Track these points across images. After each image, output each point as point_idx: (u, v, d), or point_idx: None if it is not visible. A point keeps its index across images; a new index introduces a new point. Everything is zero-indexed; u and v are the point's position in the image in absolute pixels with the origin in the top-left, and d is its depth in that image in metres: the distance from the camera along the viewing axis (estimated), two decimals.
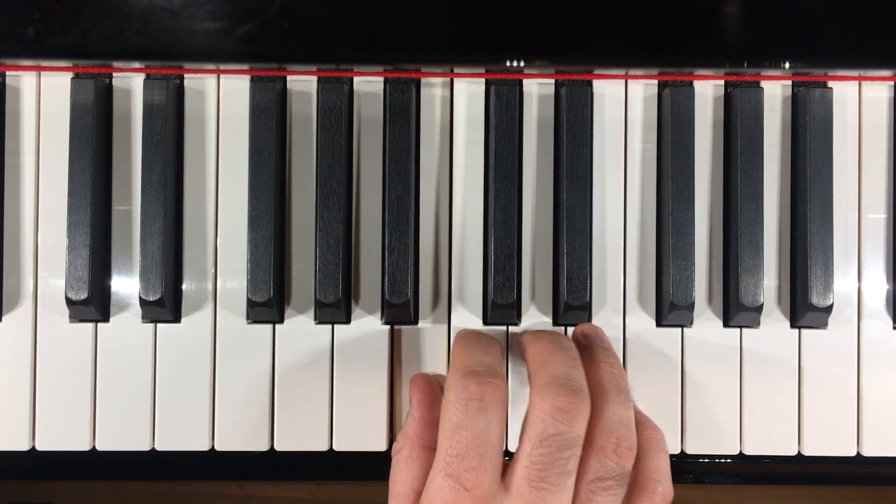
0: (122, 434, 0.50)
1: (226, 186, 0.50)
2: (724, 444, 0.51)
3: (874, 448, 0.51)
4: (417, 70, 0.50)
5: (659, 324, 0.51)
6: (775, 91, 0.51)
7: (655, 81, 0.51)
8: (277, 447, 0.50)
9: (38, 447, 0.50)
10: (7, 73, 0.50)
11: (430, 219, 0.51)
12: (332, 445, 0.50)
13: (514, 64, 0.48)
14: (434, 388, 0.48)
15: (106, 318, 0.50)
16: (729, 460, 0.51)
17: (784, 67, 0.49)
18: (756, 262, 0.49)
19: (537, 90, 0.51)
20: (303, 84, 0.51)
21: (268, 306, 0.48)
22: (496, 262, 0.49)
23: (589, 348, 0.48)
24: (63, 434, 0.50)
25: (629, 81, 0.51)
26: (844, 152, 0.51)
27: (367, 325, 0.50)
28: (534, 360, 0.45)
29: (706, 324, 0.51)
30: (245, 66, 0.50)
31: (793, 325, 0.51)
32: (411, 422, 0.47)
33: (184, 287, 0.50)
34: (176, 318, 0.50)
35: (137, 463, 0.50)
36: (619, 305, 0.51)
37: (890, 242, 0.51)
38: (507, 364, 0.50)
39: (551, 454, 0.41)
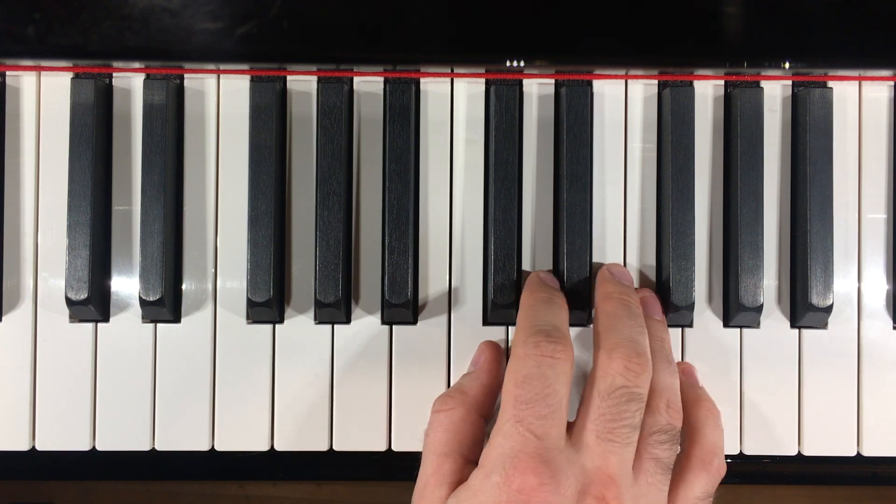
0: (122, 434, 0.50)
1: (226, 186, 0.50)
2: (724, 443, 0.51)
3: (874, 448, 0.51)
4: (417, 70, 0.50)
5: None
6: (775, 91, 0.51)
7: (655, 81, 0.51)
8: (277, 447, 0.50)
9: (38, 447, 0.50)
10: (7, 73, 0.50)
11: (430, 219, 0.51)
12: (332, 445, 0.50)
13: (514, 64, 0.48)
14: (503, 359, 0.49)
15: (106, 318, 0.50)
16: (729, 460, 0.51)
17: (784, 67, 0.49)
18: (756, 262, 0.49)
19: (537, 90, 0.51)
20: (303, 84, 0.51)
21: (268, 306, 0.48)
22: (496, 262, 0.49)
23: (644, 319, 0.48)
24: (63, 434, 0.50)
25: (629, 81, 0.51)
26: (844, 152, 0.51)
27: (367, 325, 0.50)
28: (604, 321, 0.46)
29: (707, 324, 0.51)
30: (245, 66, 0.50)
31: (793, 325, 0.51)
32: (476, 386, 0.47)
33: (184, 287, 0.50)
34: (176, 318, 0.50)
35: (137, 463, 0.50)
36: None
37: (890, 242, 0.51)
38: None
39: (619, 405, 0.42)
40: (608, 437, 0.42)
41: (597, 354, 0.45)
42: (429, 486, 0.43)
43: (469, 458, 0.44)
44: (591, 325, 0.50)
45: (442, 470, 0.43)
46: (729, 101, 0.51)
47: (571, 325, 0.50)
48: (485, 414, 0.47)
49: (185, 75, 0.50)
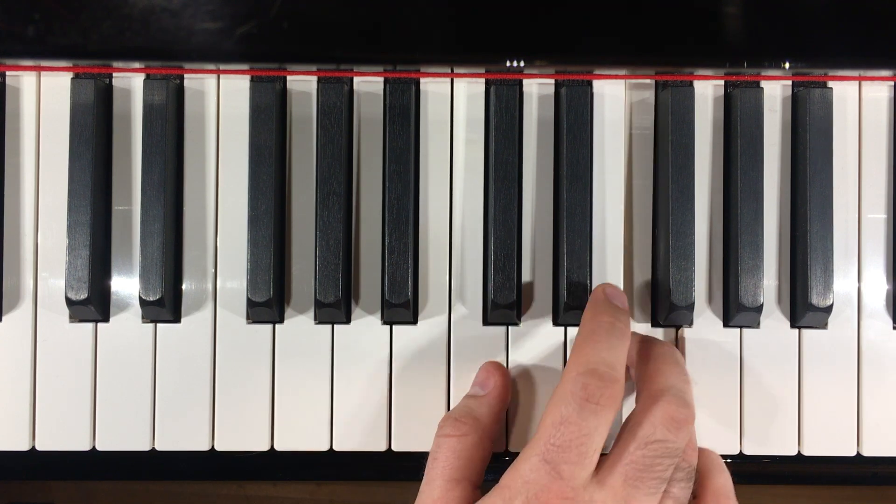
0: (122, 434, 0.50)
1: (226, 186, 0.50)
2: (724, 444, 0.51)
3: (874, 448, 0.51)
4: (417, 70, 0.50)
5: (659, 324, 0.51)
6: (775, 91, 0.51)
7: (655, 81, 0.51)
8: (277, 447, 0.50)
9: (38, 447, 0.50)
10: (7, 73, 0.50)
11: (430, 219, 0.51)
12: (332, 445, 0.50)
13: (514, 64, 0.48)
14: (510, 383, 0.49)
15: (106, 318, 0.50)
16: (729, 460, 0.51)
17: (784, 67, 0.49)
18: (756, 262, 0.49)
19: (537, 90, 0.51)
20: (303, 84, 0.51)
21: (268, 306, 0.48)
22: (496, 262, 0.49)
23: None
24: (63, 434, 0.50)
25: (629, 81, 0.51)
26: (844, 152, 0.51)
27: (367, 325, 0.50)
28: (651, 365, 0.46)
29: (706, 324, 0.51)
30: (245, 66, 0.50)
31: (793, 325, 0.51)
32: (487, 413, 0.47)
33: (184, 287, 0.50)
34: (176, 318, 0.50)
35: (137, 463, 0.50)
36: None
37: (890, 242, 0.51)
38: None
39: (654, 458, 0.42)
40: (635, 484, 0.41)
41: (641, 397, 0.44)
42: None
43: (476, 484, 0.45)
44: None
45: (450, 495, 0.43)
46: (729, 101, 0.51)
47: (571, 325, 0.50)
48: (494, 438, 0.47)
49: (185, 75, 0.50)
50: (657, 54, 0.49)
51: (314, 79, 0.50)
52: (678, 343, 0.51)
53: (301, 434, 0.50)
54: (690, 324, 0.51)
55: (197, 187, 0.50)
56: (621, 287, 0.51)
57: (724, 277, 0.51)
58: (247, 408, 0.50)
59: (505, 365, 0.50)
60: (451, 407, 0.50)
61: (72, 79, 0.49)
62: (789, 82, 0.51)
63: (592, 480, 0.41)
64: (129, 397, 0.50)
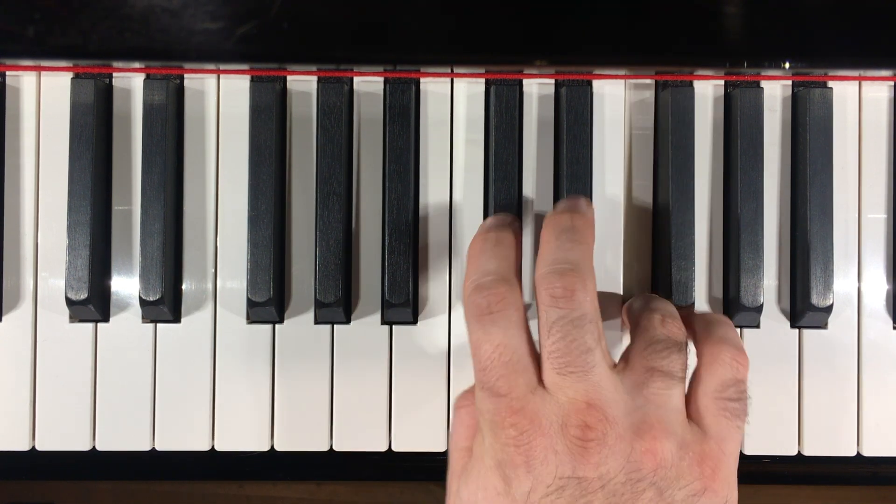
0: (122, 434, 0.50)
1: (226, 186, 0.50)
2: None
3: (874, 448, 0.51)
4: (417, 70, 0.50)
5: None
6: (775, 91, 0.51)
7: (655, 81, 0.51)
8: (277, 447, 0.50)
9: (38, 447, 0.50)
10: (7, 73, 0.50)
11: (430, 219, 0.51)
12: (332, 445, 0.50)
13: (514, 64, 0.48)
14: None
15: (106, 318, 0.50)
16: None
17: (784, 67, 0.49)
18: (756, 262, 0.49)
19: (537, 90, 0.51)
20: (303, 84, 0.51)
21: (268, 306, 0.48)
22: None
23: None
24: (63, 434, 0.50)
25: (628, 81, 0.51)
26: (844, 152, 0.51)
27: (367, 325, 0.50)
28: (539, 251, 0.45)
29: None
30: (245, 66, 0.50)
31: (793, 325, 0.51)
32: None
33: (184, 287, 0.50)
34: (176, 318, 0.50)
35: (137, 463, 0.50)
36: (618, 305, 0.51)
37: (890, 242, 0.51)
38: None
39: (563, 338, 0.41)
40: (567, 370, 0.40)
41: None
42: (453, 479, 0.44)
43: None
44: None
45: (464, 462, 0.44)
46: (729, 101, 0.51)
47: None
48: None
49: (185, 75, 0.50)
50: (657, 54, 0.49)
51: (314, 79, 0.50)
52: None
53: (301, 434, 0.50)
54: None
55: (197, 187, 0.50)
56: (621, 286, 0.50)
57: (724, 277, 0.51)
58: (247, 408, 0.50)
59: None
60: (452, 406, 0.50)
61: (72, 79, 0.49)
62: (789, 82, 0.51)
63: (538, 384, 0.41)
64: (129, 397, 0.50)
